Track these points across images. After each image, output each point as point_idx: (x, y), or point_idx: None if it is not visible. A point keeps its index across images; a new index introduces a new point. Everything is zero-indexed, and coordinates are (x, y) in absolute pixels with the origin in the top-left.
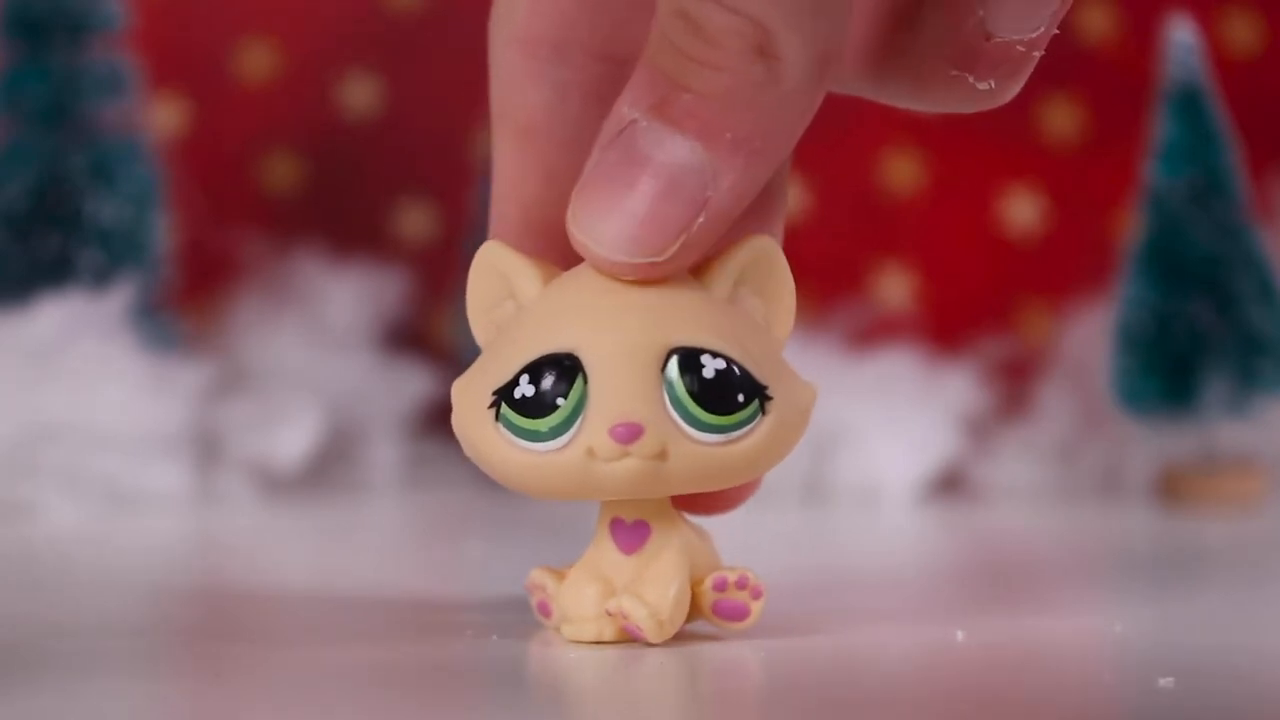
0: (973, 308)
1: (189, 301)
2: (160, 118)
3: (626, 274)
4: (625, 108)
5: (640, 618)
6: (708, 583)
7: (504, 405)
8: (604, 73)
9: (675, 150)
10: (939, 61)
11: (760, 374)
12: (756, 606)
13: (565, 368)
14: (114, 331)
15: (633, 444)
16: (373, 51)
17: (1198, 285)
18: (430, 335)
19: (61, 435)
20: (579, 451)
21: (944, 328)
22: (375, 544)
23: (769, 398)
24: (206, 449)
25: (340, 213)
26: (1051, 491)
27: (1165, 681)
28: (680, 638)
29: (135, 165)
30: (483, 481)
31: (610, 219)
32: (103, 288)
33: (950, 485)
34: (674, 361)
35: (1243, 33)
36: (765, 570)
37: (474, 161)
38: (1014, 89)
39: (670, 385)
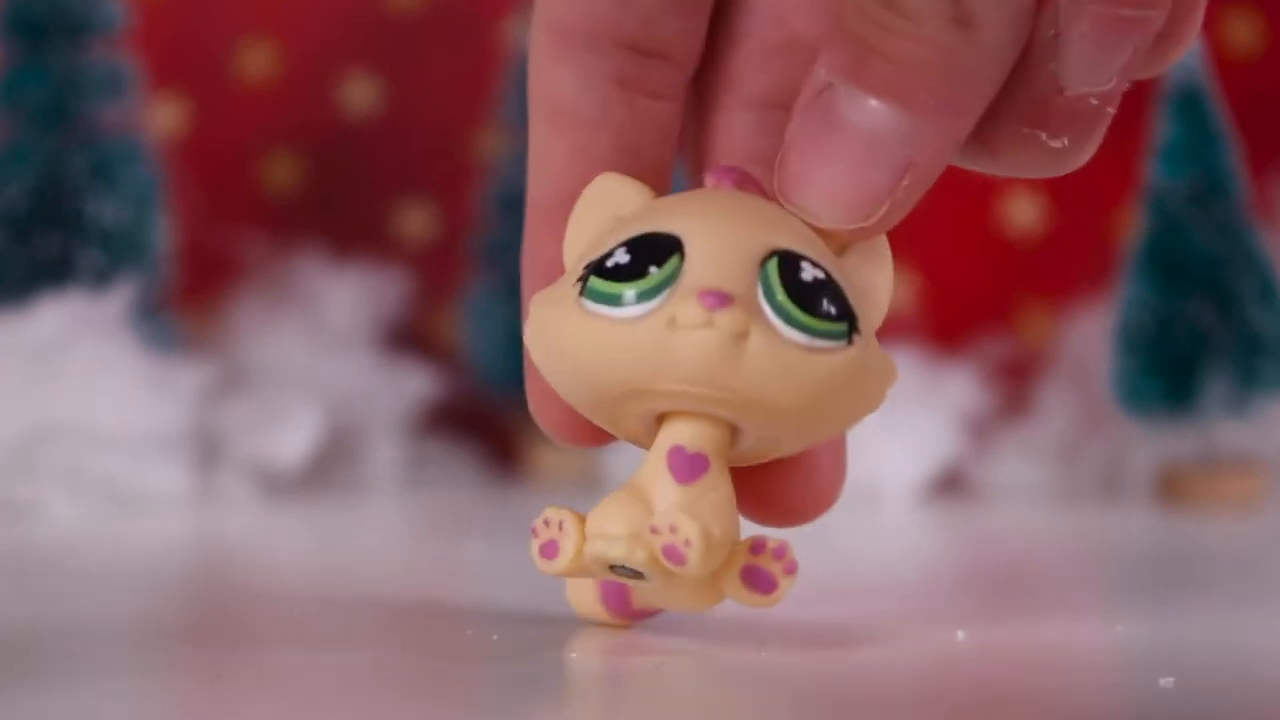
0: (973, 308)
1: (189, 301)
2: (160, 118)
3: (831, 235)
4: (821, 71)
5: (692, 532)
6: (745, 543)
7: (593, 277)
8: (631, 61)
9: (875, 115)
10: (1010, 119)
11: (856, 308)
12: (786, 583)
13: (664, 245)
14: (114, 332)
15: (719, 310)
16: (373, 51)
17: (1198, 285)
18: (430, 335)
19: (61, 435)
20: (660, 321)
21: (944, 328)
22: (375, 544)
23: (858, 330)
24: (206, 449)
25: (340, 213)
26: (1051, 491)
27: (1165, 681)
28: (680, 639)
29: (135, 165)
30: (483, 481)
31: (815, 187)
32: (103, 288)
33: (950, 485)
34: (774, 260)
35: (1243, 33)
36: None
37: (474, 161)
38: (1089, 149)
39: (766, 277)
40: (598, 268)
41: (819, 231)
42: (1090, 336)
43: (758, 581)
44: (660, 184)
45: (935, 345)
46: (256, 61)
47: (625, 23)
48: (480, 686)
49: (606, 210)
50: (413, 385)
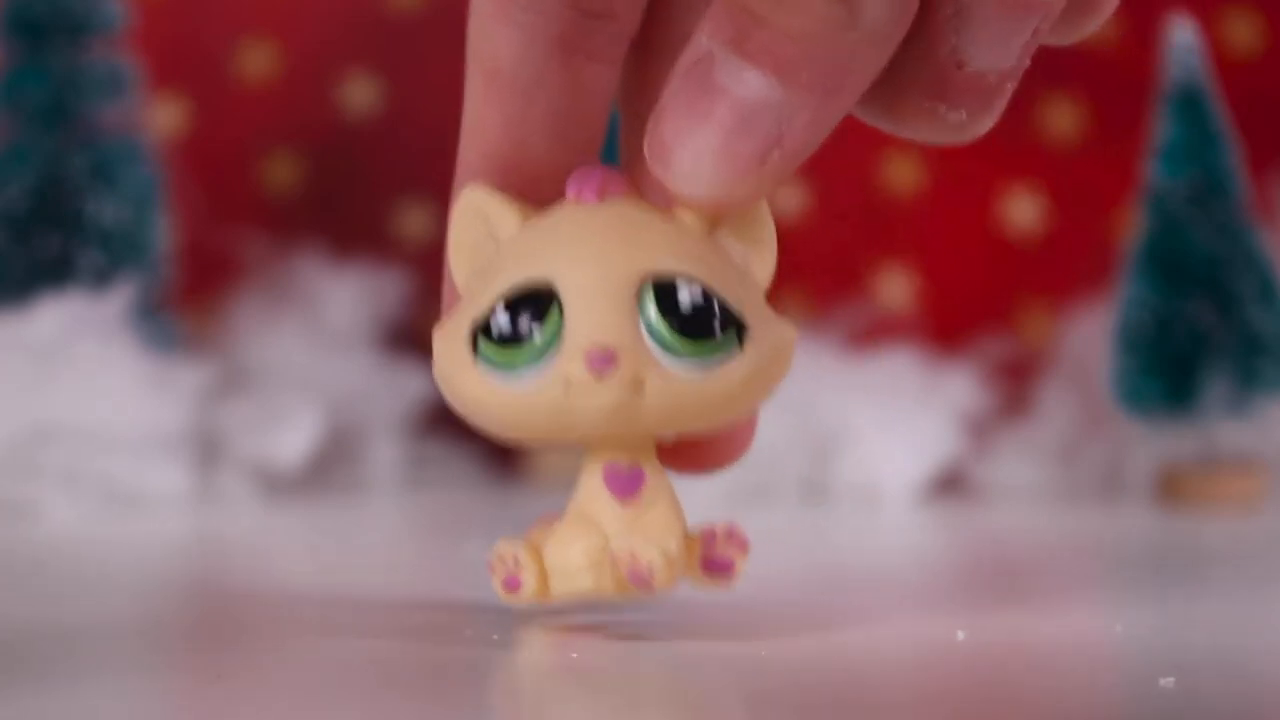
0: (973, 308)
1: (189, 301)
2: (160, 118)
3: (698, 206)
4: (704, 38)
5: (651, 557)
6: (697, 537)
7: (481, 339)
8: (573, 21)
9: (751, 85)
10: (911, 90)
11: (738, 308)
12: (741, 561)
13: (541, 298)
14: (114, 331)
15: (608, 370)
16: (373, 51)
17: (1198, 285)
18: (430, 335)
19: (61, 435)
20: (556, 383)
21: (944, 328)
22: (375, 544)
23: (746, 331)
24: (206, 449)
25: (340, 213)
26: (1051, 491)
27: (1165, 681)
28: (681, 637)
29: (135, 165)
30: (483, 481)
31: (685, 151)
32: (103, 288)
33: (950, 485)
34: (650, 289)
35: (1243, 33)
36: (765, 571)
37: None
38: (986, 122)
39: (646, 313)
40: (484, 329)
41: (689, 208)
42: (1090, 336)
43: (718, 568)
44: (593, 148)
45: (935, 345)
46: (256, 61)
47: None
48: (480, 686)
49: (481, 227)
50: (413, 385)
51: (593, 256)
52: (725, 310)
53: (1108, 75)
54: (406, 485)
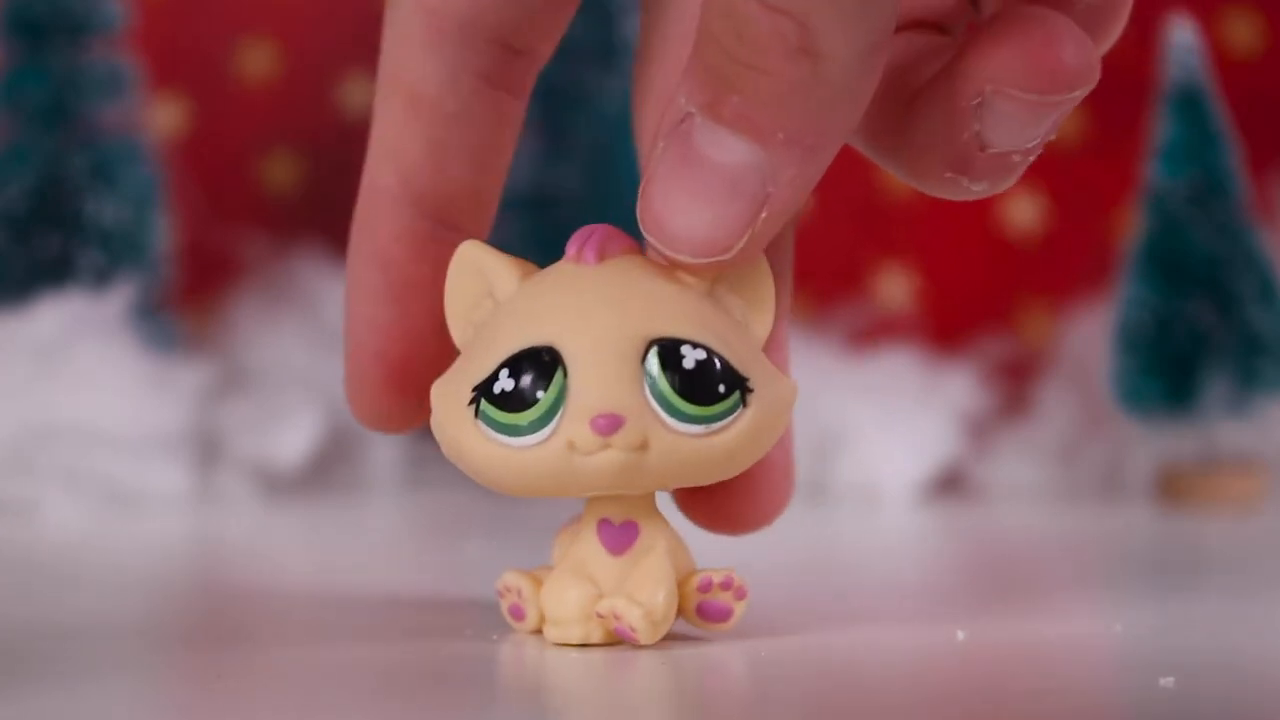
0: (973, 308)
1: (189, 301)
2: (160, 118)
3: (695, 270)
4: (682, 99)
5: (634, 618)
6: (693, 583)
7: (484, 401)
8: (502, 59)
9: (732, 150)
10: (934, 163)
11: (741, 366)
12: (740, 607)
13: (545, 361)
14: (114, 331)
15: (613, 435)
16: (373, 51)
17: (1198, 285)
18: None
19: (62, 435)
20: (559, 445)
21: (944, 328)
22: (375, 544)
23: (750, 390)
24: (206, 449)
25: (340, 213)
26: (1051, 491)
27: (1165, 681)
28: (676, 639)
29: (135, 165)
30: None
31: (676, 220)
32: (103, 288)
33: (950, 485)
34: (654, 353)
35: (1243, 33)
36: (764, 570)
37: None
38: (1007, 186)
39: (651, 376)
40: (487, 391)
41: (688, 268)
42: (1090, 336)
43: (714, 614)
44: (501, 174)
45: (935, 345)
46: (256, 61)
47: (504, 17)
48: (479, 687)
49: (478, 283)
50: None
51: (597, 320)
52: (728, 370)
53: (1108, 75)
54: (406, 485)
